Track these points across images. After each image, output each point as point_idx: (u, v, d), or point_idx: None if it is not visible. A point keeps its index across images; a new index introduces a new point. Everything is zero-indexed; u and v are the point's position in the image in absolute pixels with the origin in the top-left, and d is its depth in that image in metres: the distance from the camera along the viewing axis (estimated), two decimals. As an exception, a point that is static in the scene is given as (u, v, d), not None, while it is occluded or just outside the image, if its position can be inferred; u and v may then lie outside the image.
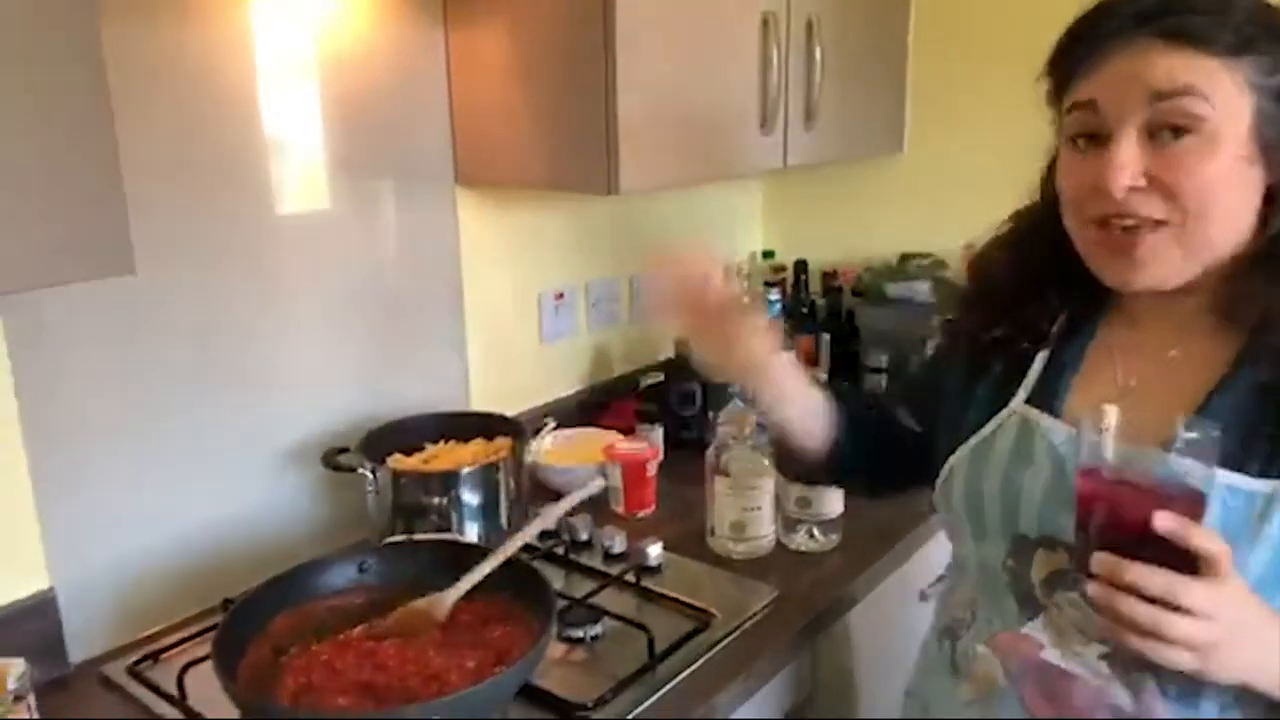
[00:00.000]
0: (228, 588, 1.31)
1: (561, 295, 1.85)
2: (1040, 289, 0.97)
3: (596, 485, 1.27)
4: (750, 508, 1.45)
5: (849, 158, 2.02)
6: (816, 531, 1.50)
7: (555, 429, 1.61)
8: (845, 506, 1.50)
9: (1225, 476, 0.80)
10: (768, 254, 2.25)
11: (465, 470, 1.36)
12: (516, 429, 1.49)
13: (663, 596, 1.35)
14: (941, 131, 2.09)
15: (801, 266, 2.15)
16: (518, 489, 1.44)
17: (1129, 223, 0.83)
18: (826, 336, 2.11)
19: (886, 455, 1.12)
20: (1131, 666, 0.83)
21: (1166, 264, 0.85)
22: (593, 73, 1.39)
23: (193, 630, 1.28)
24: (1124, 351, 0.94)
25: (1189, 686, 0.83)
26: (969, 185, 2.05)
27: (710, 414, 1.88)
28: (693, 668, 1.20)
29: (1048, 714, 0.90)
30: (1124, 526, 0.77)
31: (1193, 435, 0.76)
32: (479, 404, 1.70)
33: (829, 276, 2.14)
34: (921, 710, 1.07)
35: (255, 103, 1.34)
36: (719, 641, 1.25)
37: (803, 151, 1.76)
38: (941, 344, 1.20)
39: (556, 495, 1.58)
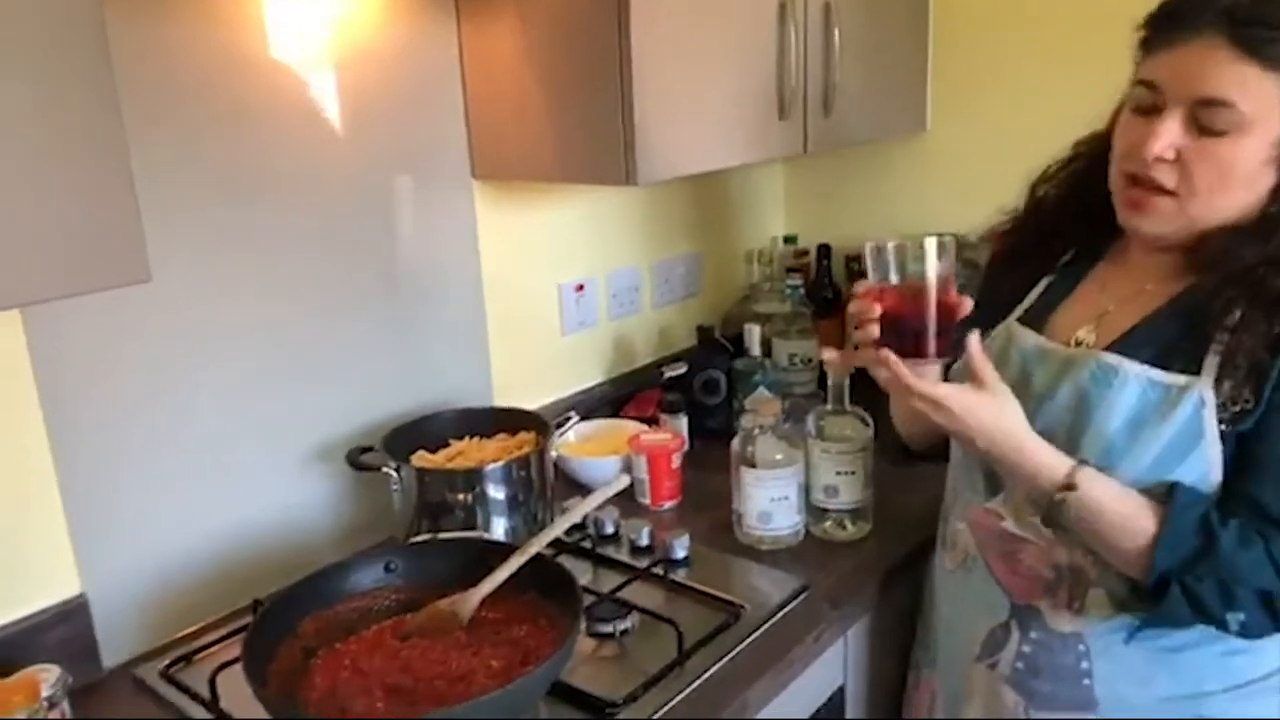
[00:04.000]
0: (257, 588, 1.31)
1: (582, 287, 1.84)
2: (1077, 214, 1.14)
3: (622, 481, 1.27)
4: (778, 497, 1.44)
5: (870, 140, 1.98)
6: (846, 520, 1.48)
7: (579, 422, 1.60)
8: (874, 494, 1.49)
9: (1144, 369, 1.01)
10: (790, 239, 2.22)
11: (489, 467, 1.36)
12: (540, 423, 1.48)
13: (691, 589, 1.34)
14: (964, 109, 2.05)
15: (825, 251, 2.12)
16: (542, 484, 1.43)
17: (1147, 185, 1.00)
18: (851, 321, 2.08)
19: None
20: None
21: (1166, 224, 1.02)
22: (608, 63, 1.38)
23: (224, 631, 1.28)
24: (1111, 283, 1.12)
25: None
26: (993, 163, 1.99)
27: (735, 402, 1.87)
28: (722, 662, 1.19)
29: (1005, 574, 1.13)
30: (901, 320, 1.01)
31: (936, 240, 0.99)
32: (501, 398, 1.70)
33: (852, 260, 2.11)
34: (927, 582, 1.31)
35: (269, 98, 1.33)
36: (748, 635, 1.24)
37: (822, 136, 1.74)
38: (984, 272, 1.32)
39: (582, 488, 1.59)
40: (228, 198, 1.31)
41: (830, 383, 1.45)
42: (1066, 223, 1.16)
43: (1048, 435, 1.03)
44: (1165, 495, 0.99)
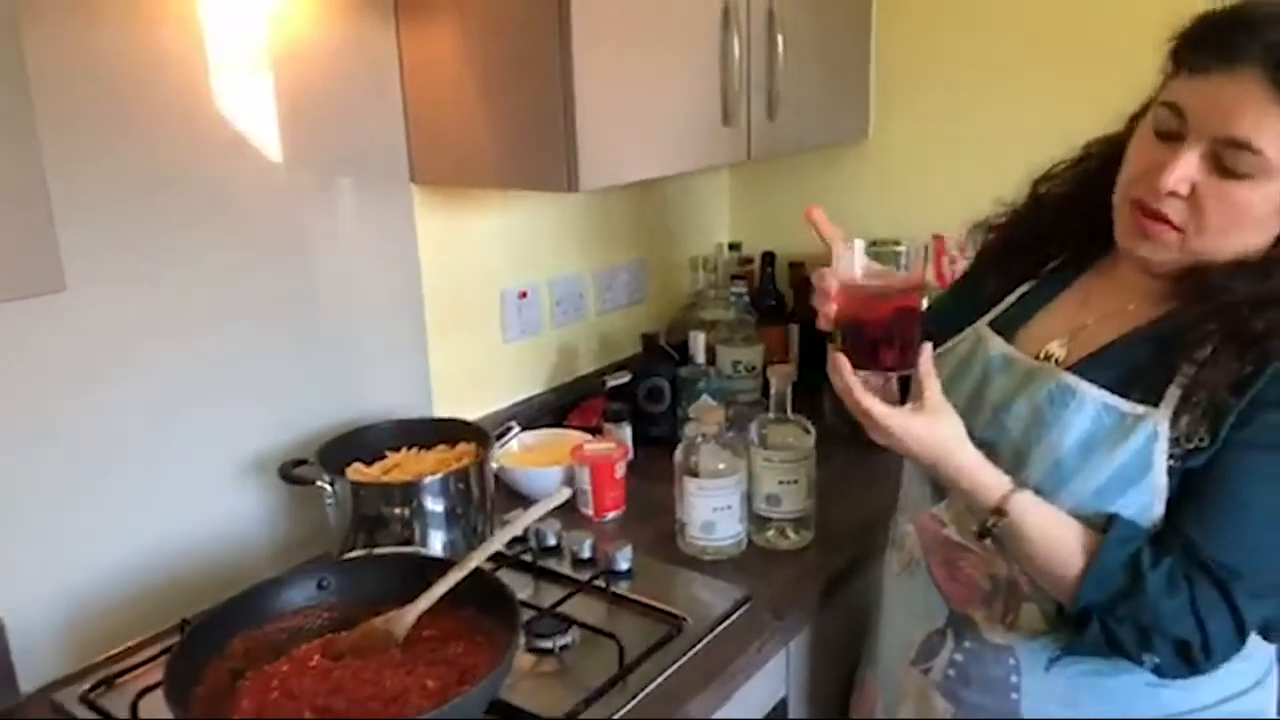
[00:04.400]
0: (186, 607, 1.26)
1: (525, 294, 1.82)
2: (1074, 219, 1.10)
3: (563, 494, 1.25)
4: (720, 507, 1.43)
5: (814, 146, 1.99)
6: (789, 529, 1.48)
7: (520, 432, 1.57)
8: (817, 502, 1.49)
9: (1101, 394, 0.99)
10: (734, 246, 2.22)
11: (426, 480, 1.32)
12: (480, 434, 1.45)
13: (633, 602, 1.32)
14: (907, 116, 2.06)
15: (769, 258, 2.12)
16: (482, 496, 1.40)
17: (1155, 217, 0.95)
18: (796, 328, 2.09)
19: None
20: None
21: (1166, 253, 0.98)
22: (549, 68, 1.36)
23: (150, 653, 1.23)
24: (1093, 297, 1.09)
25: None
26: (937, 169, 2.04)
27: (680, 410, 1.86)
28: (664, 675, 1.18)
29: (945, 580, 1.13)
30: (861, 326, 0.99)
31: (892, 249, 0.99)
32: (442, 408, 1.67)
33: (797, 267, 2.12)
34: (876, 583, 1.30)
35: (201, 102, 1.29)
36: (690, 648, 1.23)
37: (767, 142, 1.74)
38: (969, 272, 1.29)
39: (525, 499, 1.57)
40: (149, 202, 1.26)
41: (773, 391, 1.45)
42: (1064, 226, 1.12)
43: (995, 446, 1.03)
44: (1104, 526, 0.97)
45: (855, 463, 1.62)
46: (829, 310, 1.00)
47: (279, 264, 1.42)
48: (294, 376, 1.46)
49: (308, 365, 1.47)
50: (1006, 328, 1.12)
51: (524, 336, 1.84)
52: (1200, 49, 0.92)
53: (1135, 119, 1.03)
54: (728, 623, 1.29)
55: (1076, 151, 1.14)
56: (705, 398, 1.89)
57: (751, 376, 2.01)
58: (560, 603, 1.30)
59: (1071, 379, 1.01)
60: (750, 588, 1.35)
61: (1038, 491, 0.99)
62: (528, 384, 1.87)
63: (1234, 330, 0.93)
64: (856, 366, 0.99)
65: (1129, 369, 0.99)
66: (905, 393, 1.04)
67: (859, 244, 0.99)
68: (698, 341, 1.89)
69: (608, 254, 2.01)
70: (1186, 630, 0.93)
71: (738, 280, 2.08)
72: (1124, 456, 0.96)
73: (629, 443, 1.75)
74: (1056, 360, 1.06)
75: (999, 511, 0.98)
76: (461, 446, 1.46)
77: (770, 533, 1.48)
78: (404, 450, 1.46)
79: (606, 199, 1.97)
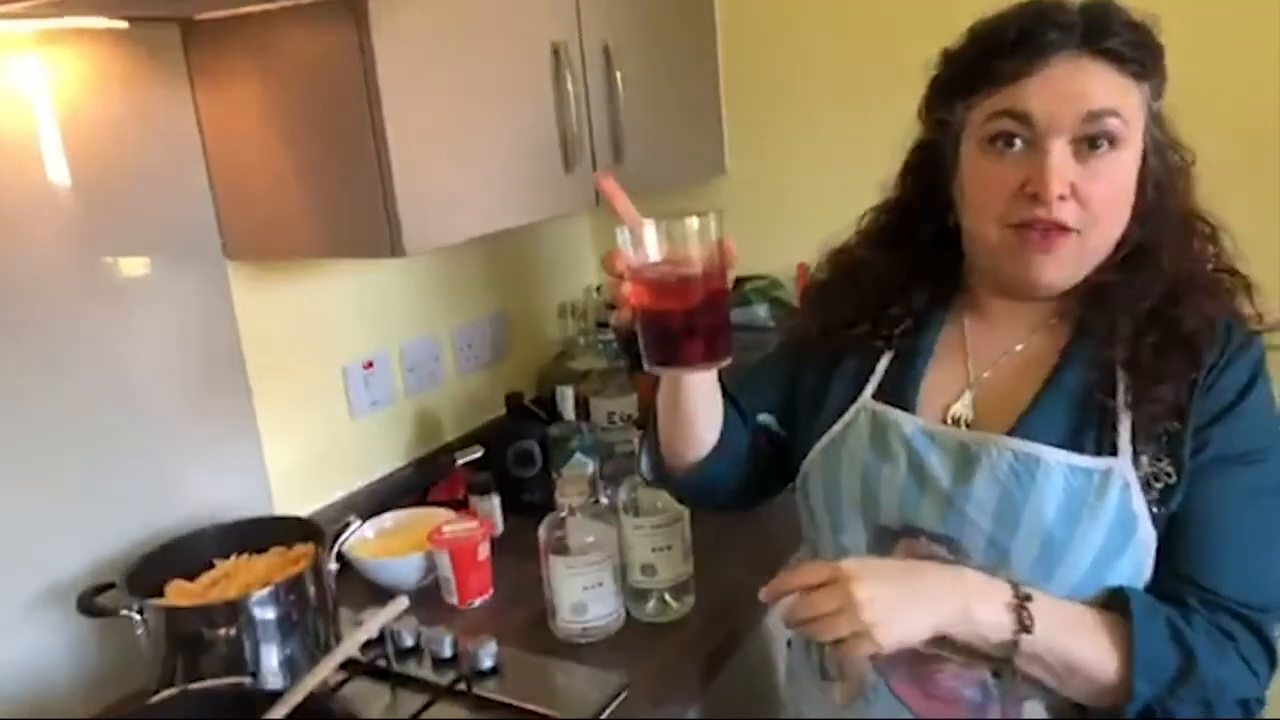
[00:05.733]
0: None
1: (370, 364, 1.68)
2: (906, 287, 1.01)
3: (397, 607, 1.11)
4: (592, 585, 1.31)
5: (667, 186, 1.91)
6: (668, 597, 1.37)
7: (361, 526, 1.40)
8: (695, 565, 1.39)
9: (1064, 456, 0.88)
10: (602, 289, 2.13)
11: (254, 595, 1.17)
12: (315, 532, 1.31)
13: (500, 704, 1.20)
14: (763, 148, 2.02)
15: (636, 300, 2.03)
16: (323, 602, 1.25)
17: (1051, 229, 0.87)
18: (670, 372, 2.00)
19: (752, 462, 1.10)
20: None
21: (1070, 267, 0.90)
22: (358, 124, 1.24)
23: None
24: (976, 344, 0.99)
25: None
26: (799, 199, 1.99)
27: (553, 472, 1.75)
28: (533, 791, 1.06)
29: (917, 700, 0.95)
30: (664, 315, 0.86)
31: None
32: (284, 500, 1.52)
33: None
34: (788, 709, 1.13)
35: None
36: (561, 754, 1.11)
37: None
38: (789, 343, 1.16)
39: (383, 593, 1.43)
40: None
41: (637, 452, 1.34)
42: (893, 296, 1.01)
43: (959, 544, 0.90)
44: (1110, 602, 0.87)
45: (732, 515, 1.53)
46: (624, 294, 0.88)
47: (74, 363, 1.25)
48: (100, 489, 1.29)
49: (117, 475, 1.31)
50: (896, 399, 0.98)
51: (375, 409, 1.70)
52: (1000, 59, 0.87)
53: (908, 173, 1.01)
54: (605, 716, 1.17)
55: (865, 217, 1.06)
56: (578, 456, 1.78)
57: (629, 426, 1.91)
58: (420, 713, 1.17)
59: (1028, 445, 0.89)
60: (629, 672, 1.24)
61: (1028, 584, 0.87)
62: (385, 460, 1.73)
63: (1161, 331, 0.88)
64: (660, 364, 0.89)
65: (1069, 419, 0.90)
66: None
67: (650, 224, 0.86)
68: (565, 397, 1.79)
69: (464, 310, 1.89)
70: (1247, 687, 0.87)
71: (605, 328, 1.98)
72: (1108, 517, 0.86)
73: (497, 515, 1.63)
74: (967, 423, 0.95)
75: (1023, 628, 0.84)
76: (299, 548, 1.31)
77: (649, 605, 1.37)
78: (234, 557, 1.31)
79: (455, 253, 1.85)
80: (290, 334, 1.55)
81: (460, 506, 1.65)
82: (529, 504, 1.69)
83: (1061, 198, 0.86)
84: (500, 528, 1.64)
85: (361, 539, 1.52)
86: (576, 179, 1.55)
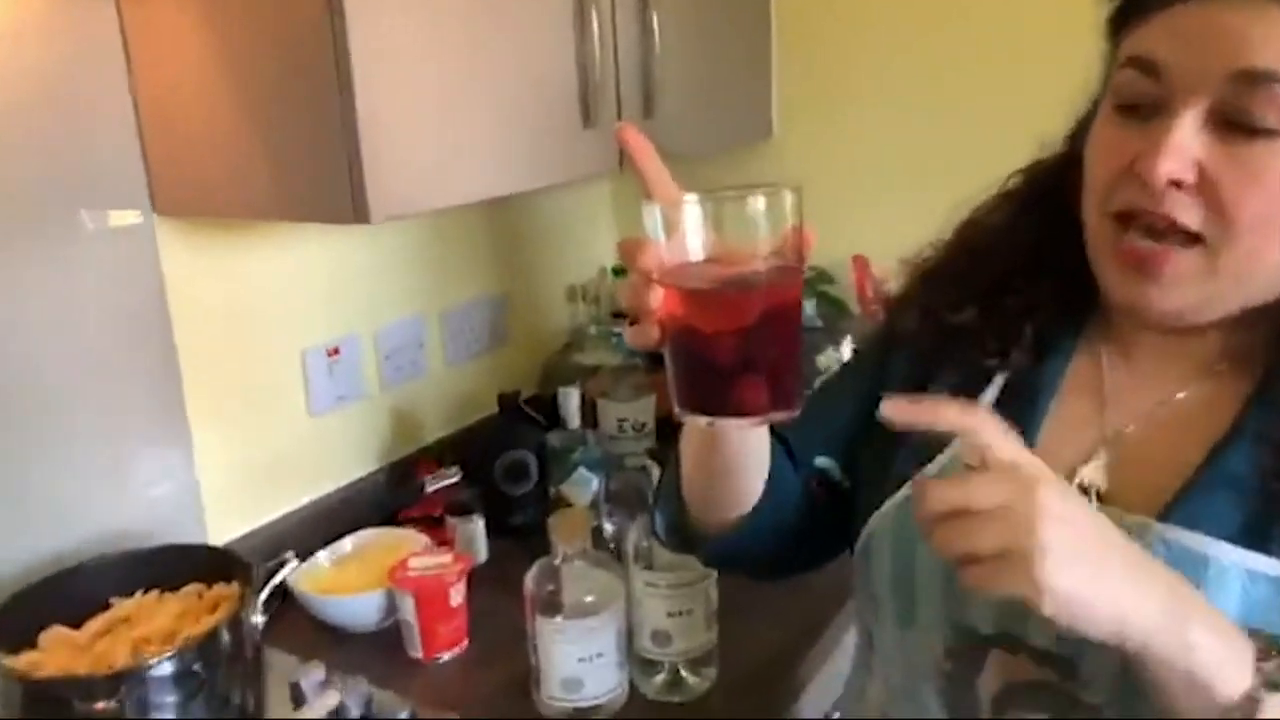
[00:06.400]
0: None
1: (336, 350, 1.39)
2: (1034, 274, 0.76)
3: (328, 701, 0.83)
4: (589, 656, 1.04)
5: (703, 151, 1.61)
6: (684, 671, 1.10)
7: (299, 565, 1.13)
8: (720, 632, 1.11)
9: (1244, 557, 0.64)
10: (620, 271, 1.83)
11: (150, 663, 0.89)
12: (242, 568, 1.03)
13: (461, 814, 0.93)
14: (819, 111, 1.73)
15: (660, 286, 1.75)
16: (243, 663, 0.98)
17: (1158, 226, 0.64)
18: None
19: (803, 520, 0.83)
20: None
21: (1189, 292, 0.65)
22: (318, 59, 0.95)
23: None
24: (1116, 387, 0.74)
25: None
26: (857, 177, 1.72)
27: (550, 488, 1.47)
28: None
29: None
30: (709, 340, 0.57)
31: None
32: (218, 518, 1.24)
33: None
34: None
35: None
36: None
37: (644, 147, 1.36)
38: (863, 360, 0.90)
39: (335, 634, 1.19)
40: None
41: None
42: (1017, 281, 0.76)
43: (1090, 665, 0.67)
44: None
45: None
46: (651, 305, 0.58)
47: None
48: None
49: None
50: None
51: (340, 405, 1.41)
52: None
53: (1075, 136, 0.74)
54: (596, 840, 0.90)
55: (1010, 178, 0.79)
56: (581, 471, 1.51)
57: (641, 436, 1.63)
58: (359, 818, 0.90)
59: (1190, 535, 0.65)
60: (631, 773, 0.97)
61: None
62: (348, 467, 1.45)
63: None
64: (697, 410, 0.60)
65: (1245, 506, 0.65)
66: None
67: (693, 201, 0.58)
68: (570, 401, 1.51)
69: (454, 290, 1.60)
70: None
71: (621, 318, 1.69)
72: None
73: (480, 542, 1.36)
74: (1099, 495, 0.69)
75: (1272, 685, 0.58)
76: (219, 588, 1.03)
77: (659, 679, 1.10)
78: (139, 594, 1.03)
79: (447, 221, 1.56)
80: (235, 310, 1.26)
81: (436, 524, 1.37)
82: (519, 527, 1.43)
83: (1177, 184, 0.62)
84: (484, 555, 1.36)
85: (314, 567, 1.25)
86: (597, 136, 1.26)
